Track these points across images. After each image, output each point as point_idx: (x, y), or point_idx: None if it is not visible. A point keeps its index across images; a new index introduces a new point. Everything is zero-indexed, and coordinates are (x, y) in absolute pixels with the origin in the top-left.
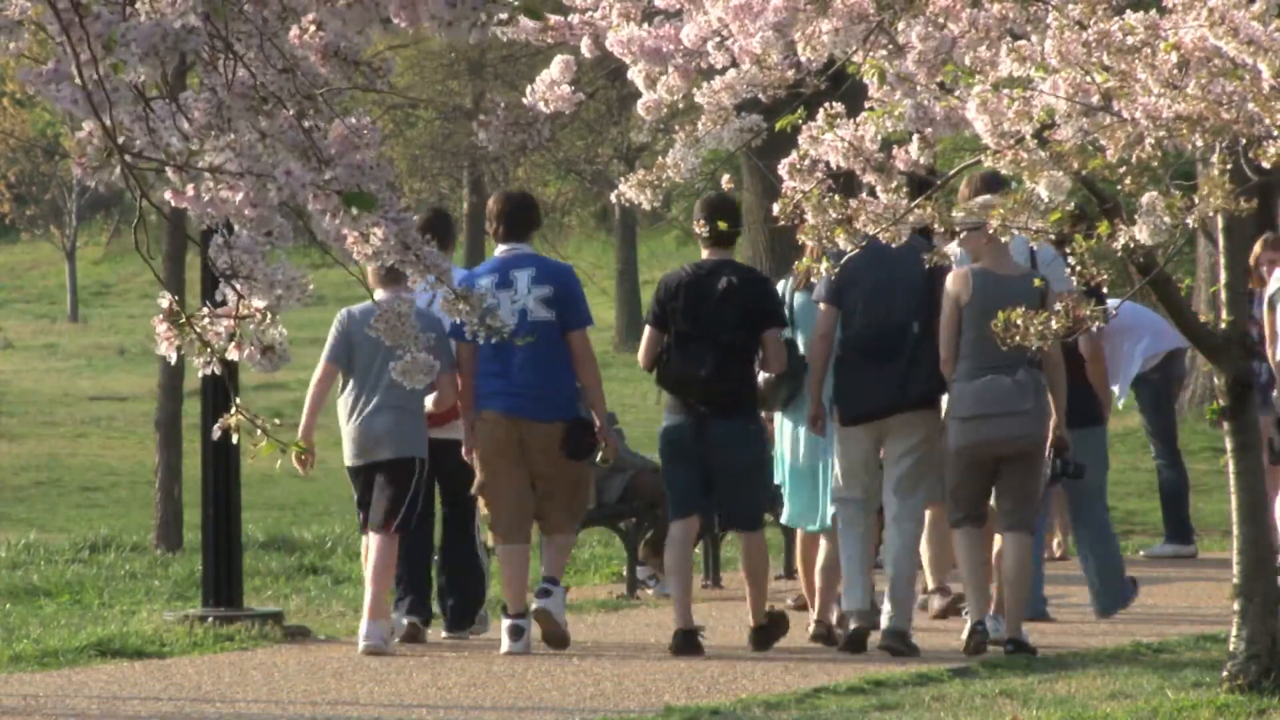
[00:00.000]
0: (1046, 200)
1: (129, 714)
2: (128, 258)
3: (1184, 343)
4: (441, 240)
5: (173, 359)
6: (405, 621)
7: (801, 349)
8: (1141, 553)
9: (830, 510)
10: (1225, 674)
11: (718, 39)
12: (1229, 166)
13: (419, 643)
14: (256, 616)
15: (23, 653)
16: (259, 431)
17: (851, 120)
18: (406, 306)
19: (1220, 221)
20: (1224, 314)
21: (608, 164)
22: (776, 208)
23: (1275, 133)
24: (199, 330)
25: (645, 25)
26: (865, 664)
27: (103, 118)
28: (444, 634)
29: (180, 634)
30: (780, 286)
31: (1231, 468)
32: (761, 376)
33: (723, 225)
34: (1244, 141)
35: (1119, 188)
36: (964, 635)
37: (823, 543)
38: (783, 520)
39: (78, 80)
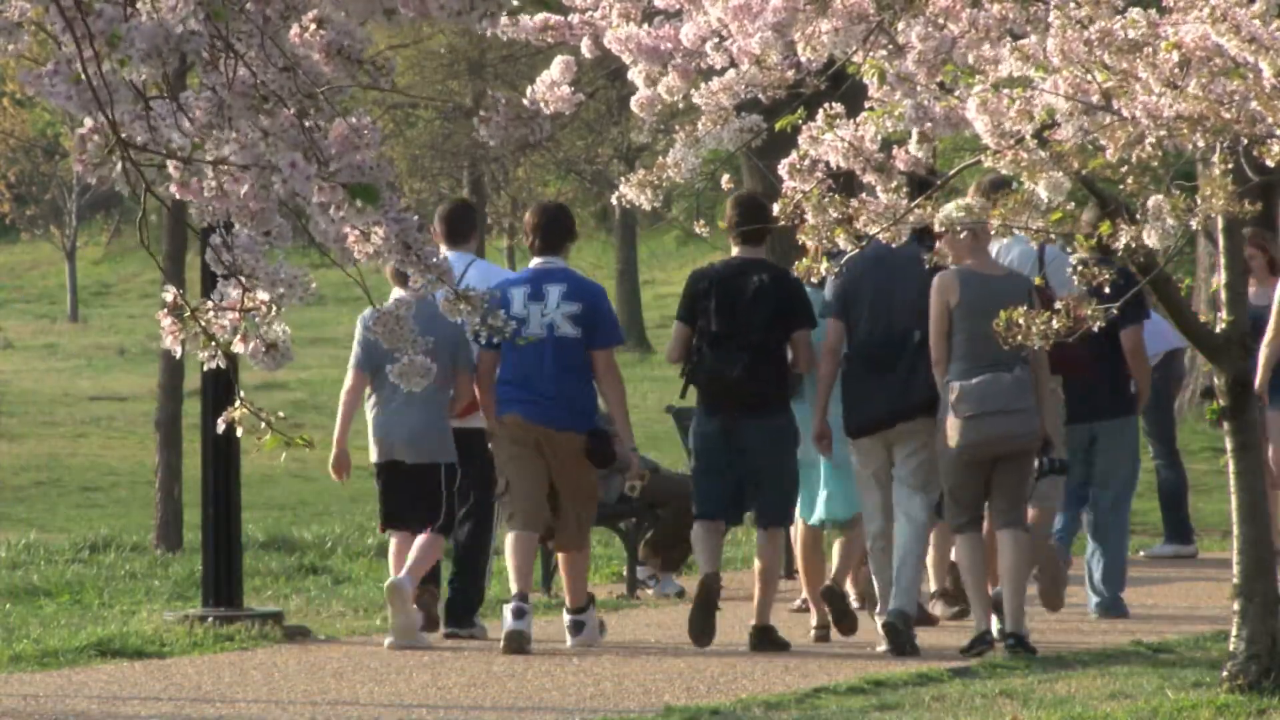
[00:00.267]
0: (1047, 200)
1: (129, 714)
2: (128, 258)
3: (1183, 343)
4: (464, 231)
5: (178, 352)
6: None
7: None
8: (1141, 553)
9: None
10: (1225, 674)
11: (717, 39)
12: (1230, 167)
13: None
14: (256, 616)
15: (23, 653)
16: (263, 425)
17: (851, 120)
18: (405, 309)
19: (1220, 221)
20: (1224, 314)
21: (608, 164)
22: (776, 208)
23: (1278, 131)
24: (204, 324)
25: (645, 25)
26: (865, 664)
27: (105, 112)
28: (443, 629)
29: (180, 634)
30: None
31: (1231, 468)
32: None
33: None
34: (1245, 141)
35: (1121, 188)
36: (968, 642)
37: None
38: None
39: (81, 76)
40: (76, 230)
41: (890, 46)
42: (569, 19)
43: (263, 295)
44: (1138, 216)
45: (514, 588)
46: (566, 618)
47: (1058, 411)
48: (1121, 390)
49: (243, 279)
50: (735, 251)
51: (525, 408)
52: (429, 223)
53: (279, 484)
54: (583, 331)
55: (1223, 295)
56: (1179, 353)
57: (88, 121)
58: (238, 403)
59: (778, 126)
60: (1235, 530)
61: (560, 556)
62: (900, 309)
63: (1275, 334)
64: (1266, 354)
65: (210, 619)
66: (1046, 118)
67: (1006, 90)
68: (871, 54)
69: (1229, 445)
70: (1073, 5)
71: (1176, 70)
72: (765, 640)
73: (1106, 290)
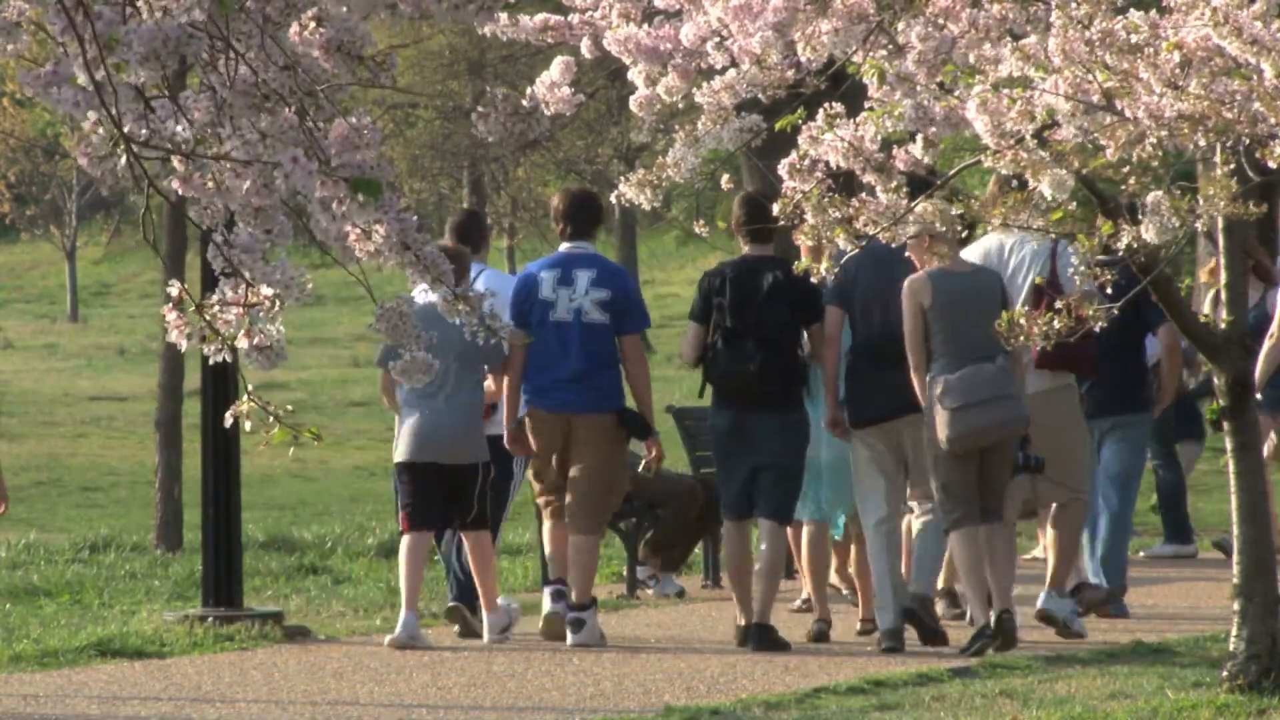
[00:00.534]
0: (1049, 199)
1: (129, 714)
2: (128, 258)
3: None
4: (474, 241)
5: (184, 346)
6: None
7: None
8: (1141, 553)
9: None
10: (1225, 674)
11: (717, 39)
12: (1232, 167)
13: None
14: (256, 616)
15: (23, 653)
16: (271, 419)
17: (851, 120)
18: (407, 306)
19: (1220, 221)
20: (1224, 314)
21: (608, 164)
22: (776, 208)
23: None
24: (209, 318)
25: (645, 25)
26: (865, 664)
27: (108, 109)
28: (450, 601)
29: (180, 634)
30: None
31: (1231, 468)
32: None
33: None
34: (1246, 141)
35: (1123, 188)
36: (968, 639)
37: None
38: None
39: (81, 77)
40: (76, 230)
41: (890, 46)
42: (569, 19)
43: (266, 291)
44: (1139, 216)
45: (552, 574)
46: (568, 614)
47: (1079, 409)
48: (1134, 386)
49: (244, 275)
50: (745, 250)
51: (544, 399)
52: (429, 223)
53: (279, 484)
54: (611, 317)
55: (1223, 295)
56: None
57: (92, 115)
58: (245, 397)
59: (778, 126)
60: (1235, 530)
61: (570, 543)
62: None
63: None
64: (1266, 356)
65: (210, 619)
66: (1047, 118)
67: (1007, 90)
68: (871, 54)
69: (1229, 445)
70: (1073, 5)
71: (1177, 70)
72: (764, 639)
73: (1108, 291)
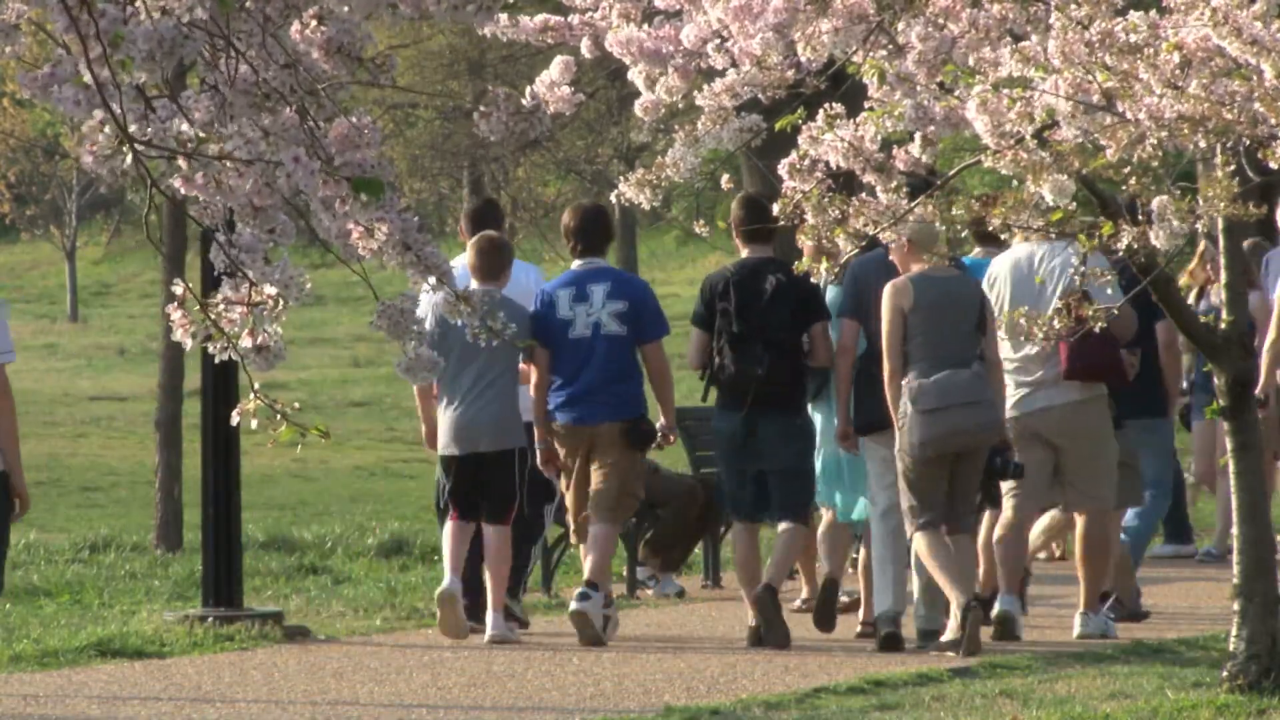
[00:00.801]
0: (1050, 202)
1: (129, 714)
2: (128, 258)
3: None
4: (495, 228)
5: (188, 345)
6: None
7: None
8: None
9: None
10: (1225, 674)
11: (718, 40)
12: (1232, 168)
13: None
14: (256, 616)
15: (23, 653)
16: (279, 417)
17: (851, 120)
18: (409, 304)
19: (1220, 222)
20: (1224, 314)
21: (608, 164)
22: (776, 208)
23: None
24: (214, 317)
25: (645, 26)
26: (865, 664)
27: (111, 108)
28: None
29: (180, 634)
30: None
31: (1231, 468)
32: None
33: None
34: (1246, 142)
35: (1124, 188)
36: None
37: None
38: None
39: (86, 76)
40: (76, 230)
41: (890, 46)
42: (569, 19)
43: (269, 290)
44: (1139, 217)
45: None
46: (576, 590)
47: (1109, 421)
48: (1151, 391)
49: (248, 274)
50: (744, 252)
51: (568, 411)
52: (429, 222)
53: (279, 484)
54: (629, 328)
55: (1223, 295)
56: None
57: (96, 114)
58: (251, 395)
59: (778, 126)
60: (1235, 530)
61: (590, 532)
62: None
63: (1277, 337)
64: (1269, 356)
65: (210, 619)
66: (1047, 118)
67: (1006, 90)
68: (871, 54)
69: (1229, 445)
70: (1073, 6)
71: (1177, 71)
72: (769, 601)
73: (1109, 291)
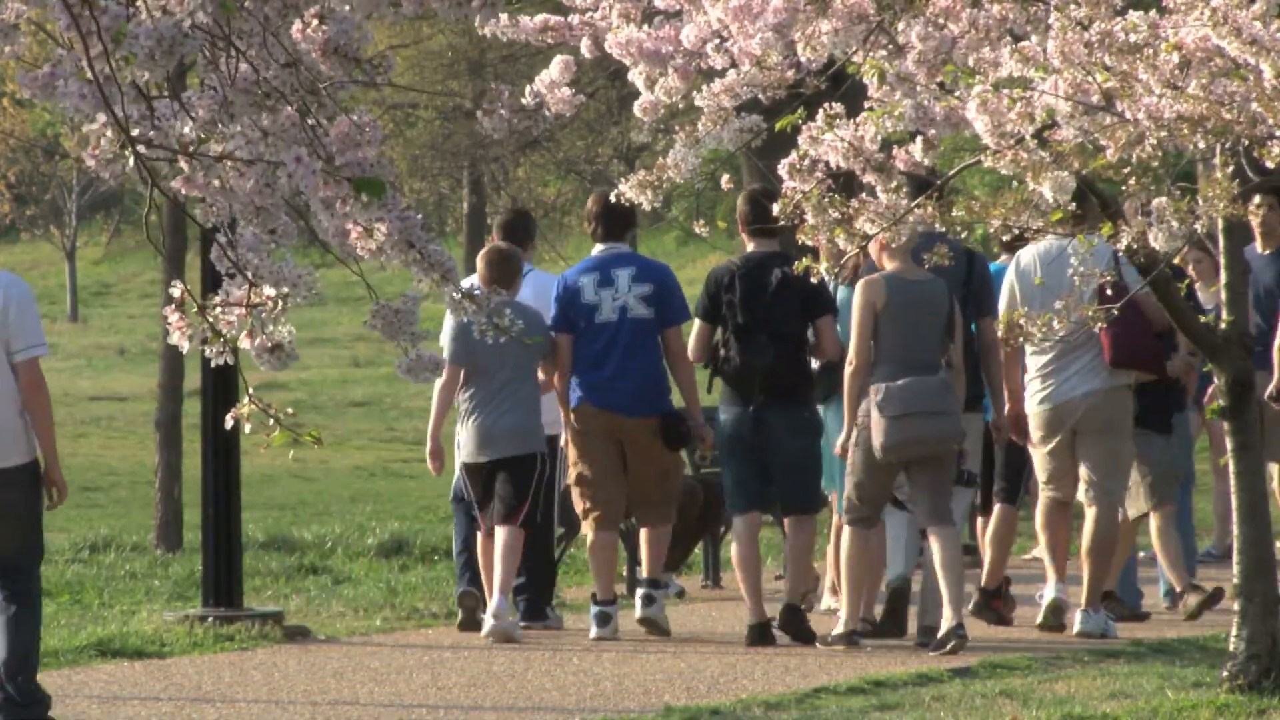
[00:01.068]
0: (1050, 200)
1: (129, 714)
2: (128, 258)
3: None
4: (522, 241)
5: (185, 347)
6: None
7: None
8: (1141, 554)
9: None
10: (1225, 674)
11: (717, 40)
12: (1231, 168)
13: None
14: (256, 616)
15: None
16: (272, 421)
17: (851, 120)
18: (409, 304)
19: (1220, 222)
20: (1224, 314)
21: (608, 164)
22: (776, 208)
23: (1279, 133)
24: (211, 319)
25: (645, 26)
26: (865, 664)
27: (114, 109)
28: (520, 623)
29: (180, 634)
30: None
31: (1232, 468)
32: None
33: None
34: (1245, 142)
35: (1123, 189)
36: (834, 634)
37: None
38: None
39: (88, 75)
40: (76, 230)
41: (890, 46)
42: (569, 19)
43: (269, 291)
44: (1139, 216)
45: (598, 593)
46: (639, 590)
47: (1130, 412)
48: (1172, 386)
49: (249, 275)
50: (750, 247)
51: (595, 394)
52: (429, 222)
53: (279, 484)
54: (655, 311)
55: (1223, 295)
56: None
57: (99, 117)
58: (246, 399)
59: (778, 126)
60: (1235, 530)
61: (643, 534)
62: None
63: None
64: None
65: (210, 619)
66: (1047, 118)
67: (1006, 91)
68: (871, 54)
69: (1229, 445)
70: (1072, 6)
71: (1177, 71)
72: (793, 620)
73: (1109, 291)
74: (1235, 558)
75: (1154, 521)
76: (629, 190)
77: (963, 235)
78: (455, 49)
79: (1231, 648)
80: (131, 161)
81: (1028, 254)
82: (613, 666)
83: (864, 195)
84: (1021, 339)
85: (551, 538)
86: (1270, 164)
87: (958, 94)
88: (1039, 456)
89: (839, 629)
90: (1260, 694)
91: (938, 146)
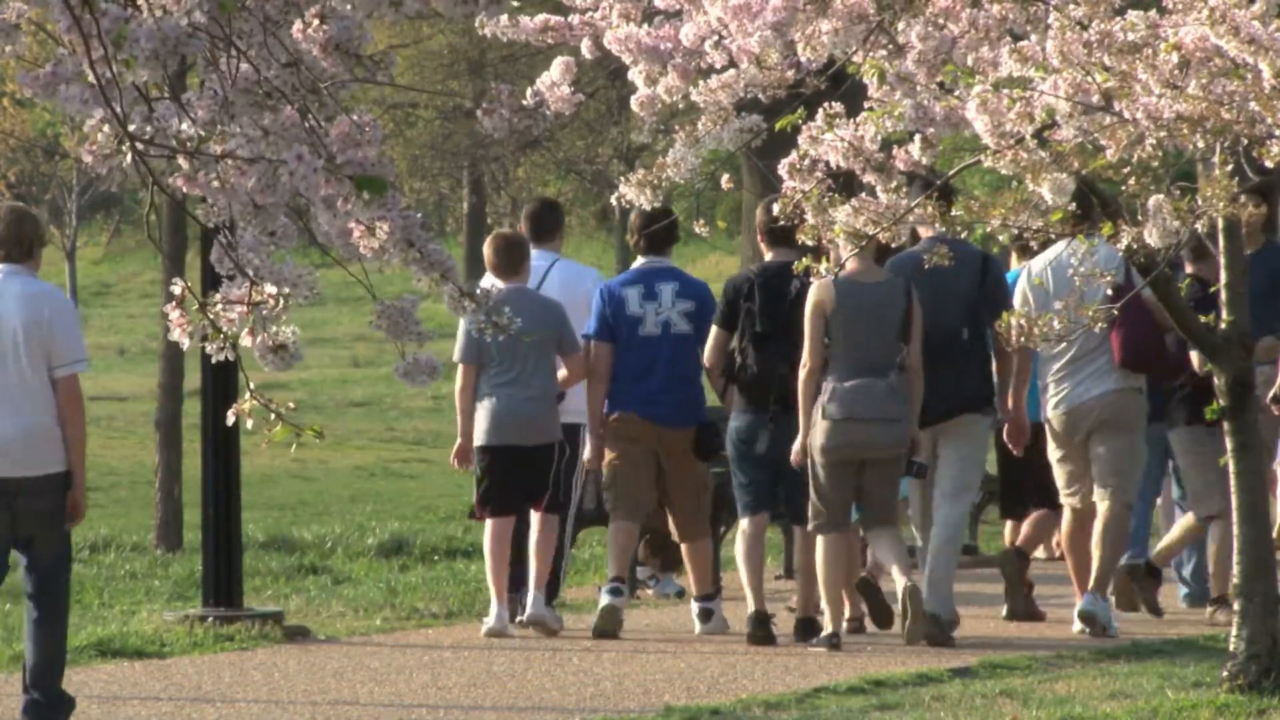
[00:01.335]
0: (1049, 201)
1: (129, 714)
2: (128, 258)
3: None
4: (549, 230)
5: (185, 344)
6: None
7: None
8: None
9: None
10: (1225, 674)
11: (717, 39)
12: (1231, 168)
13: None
14: (256, 616)
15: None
16: (274, 417)
17: (851, 120)
18: (409, 304)
19: (1220, 221)
20: (1224, 314)
21: (608, 164)
22: (776, 208)
23: (1278, 132)
24: (212, 316)
25: (645, 26)
26: (865, 664)
27: (113, 107)
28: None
29: (180, 634)
30: None
31: (1232, 468)
32: None
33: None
34: (1245, 142)
35: (1123, 189)
36: (816, 642)
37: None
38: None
39: (90, 76)
40: (76, 230)
41: (890, 46)
42: (569, 19)
43: (270, 289)
44: (1139, 217)
45: (611, 571)
46: (694, 606)
47: (1144, 415)
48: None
49: (250, 273)
50: (769, 256)
51: (640, 406)
52: (429, 222)
53: (279, 484)
54: (694, 328)
55: (1223, 295)
56: None
57: (97, 113)
58: (248, 395)
59: (778, 126)
60: (1235, 530)
61: (684, 547)
62: (953, 307)
63: None
64: None
65: (210, 619)
66: (1047, 118)
67: (1006, 90)
68: (871, 54)
69: (1229, 445)
70: (1072, 6)
71: (1176, 71)
72: (808, 633)
73: (1109, 291)
74: (1235, 558)
75: (1215, 525)
76: (629, 190)
77: (963, 235)
78: (455, 49)
79: (1231, 648)
80: (129, 158)
81: (1040, 262)
82: (613, 666)
83: (864, 195)
84: (1024, 340)
85: (564, 535)
86: (1270, 163)
87: (958, 94)
88: (1056, 460)
89: (823, 632)
90: (1260, 694)
91: (937, 146)
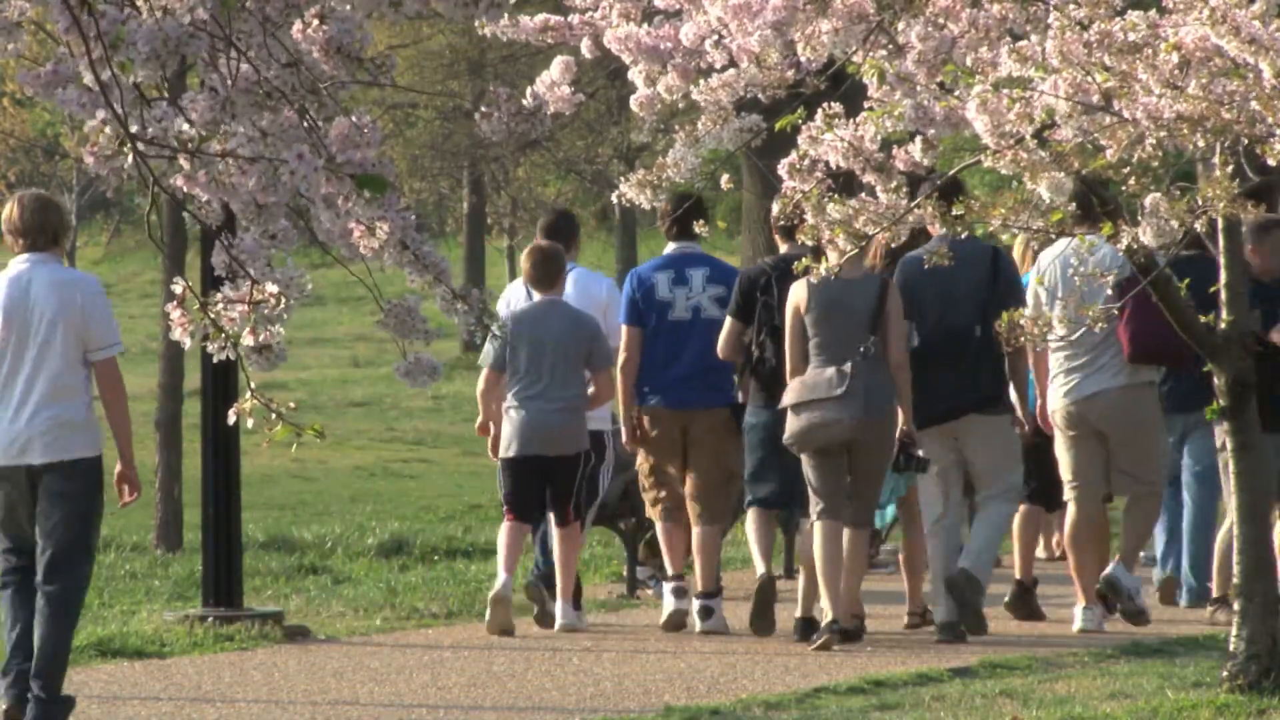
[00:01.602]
0: (1048, 200)
1: (129, 714)
2: (128, 258)
3: None
4: (566, 241)
5: (187, 344)
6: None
7: None
8: (1142, 554)
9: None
10: (1225, 674)
11: (716, 38)
12: (1231, 168)
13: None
14: (256, 616)
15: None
16: (274, 416)
17: (851, 120)
18: (414, 301)
19: (1220, 221)
20: (1224, 314)
21: (608, 164)
22: (776, 208)
23: (1279, 131)
24: (213, 315)
25: (645, 25)
26: (865, 664)
27: (114, 107)
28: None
29: (180, 634)
30: None
31: (1231, 468)
32: None
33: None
34: (1245, 142)
35: (1123, 189)
36: (817, 635)
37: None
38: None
39: (87, 77)
40: (76, 230)
41: (890, 46)
42: (569, 19)
43: (271, 288)
44: (1139, 217)
45: (669, 569)
46: (695, 603)
47: (1157, 405)
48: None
49: (250, 272)
50: (784, 249)
51: (666, 393)
52: (429, 222)
53: (279, 484)
54: (725, 312)
55: (1223, 295)
56: None
57: (99, 113)
58: (248, 395)
59: (778, 126)
60: (1235, 530)
61: (695, 534)
62: (965, 305)
63: None
64: None
65: (210, 619)
66: (1047, 118)
67: (1006, 90)
68: (871, 54)
69: (1229, 445)
70: (1072, 6)
71: (1176, 71)
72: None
73: (1110, 291)
74: (1235, 558)
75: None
76: (629, 190)
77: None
78: (455, 49)
79: (1231, 648)
80: (130, 159)
81: (1046, 257)
82: (613, 666)
83: (864, 195)
84: (1022, 340)
85: (583, 529)
86: (1272, 162)
87: (958, 94)
88: (1062, 453)
89: (824, 623)
90: (1260, 694)
91: (937, 146)
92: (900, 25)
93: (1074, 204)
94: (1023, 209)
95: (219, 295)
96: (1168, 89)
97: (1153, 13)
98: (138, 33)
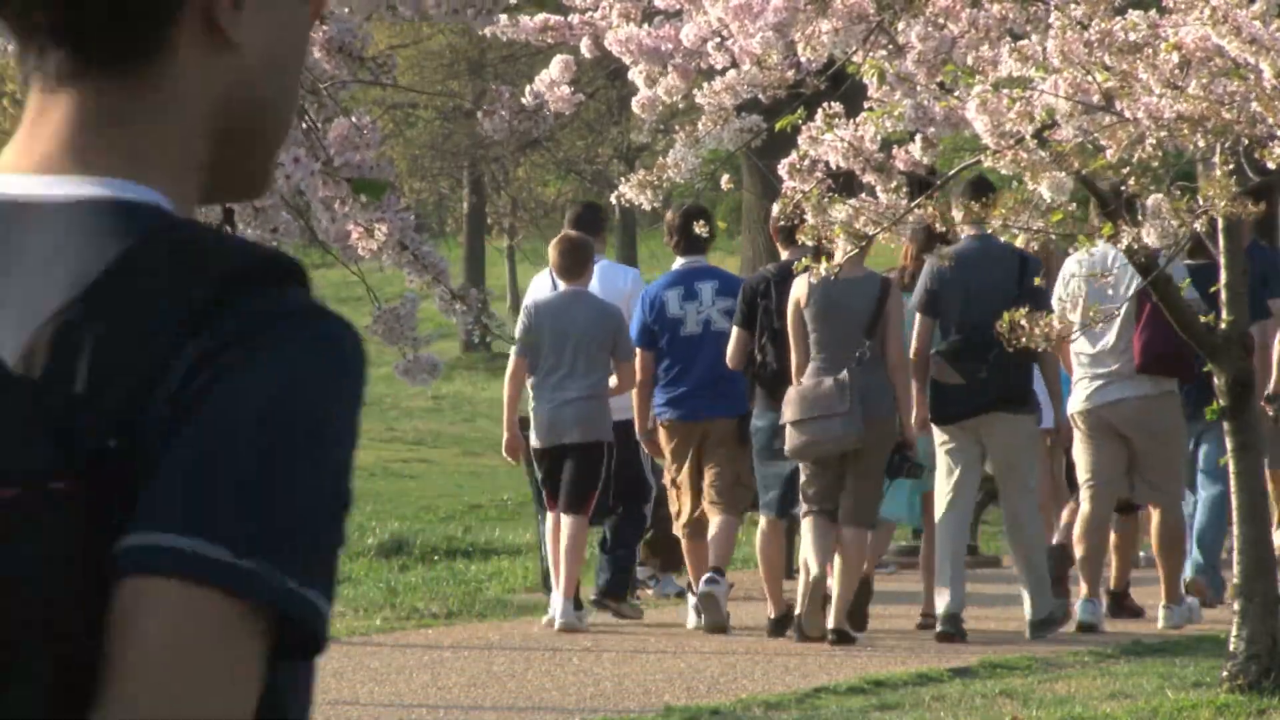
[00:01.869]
0: (1049, 200)
1: None
2: None
3: None
4: (593, 233)
5: None
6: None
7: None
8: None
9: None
10: (1225, 674)
11: (717, 39)
12: (1231, 168)
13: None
14: None
15: None
16: None
17: (851, 120)
18: (407, 307)
19: (1220, 221)
20: (1224, 314)
21: (608, 164)
22: (776, 208)
23: (1279, 132)
24: None
25: (645, 25)
26: (865, 664)
27: None
28: (593, 595)
29: None
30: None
31: (1232, 468)
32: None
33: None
34: (1245, 142)
35: (1123, 188)
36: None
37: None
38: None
39: None
40: None
41: (890, 46)
42: (569, 19)
43: None
44: (1139, 217)
45: (692, 581)
46: (705, 574)
47: (1181, 416)
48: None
49: None
50: (784, 254)
51: (680, 407)
52: (429, 222)
53: None
54: None
55: (1223, 295)
56: None
57: None
58: None
59: (778, 126)
60: (1235, 530)
61: (712, 522)
62: (991, 303)
63: None
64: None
65: None
66: (1047, 118)
67: (1006, 90)
68: (871, 54)
69: (1229, 445)
70: (1072, 6)
71: (1177, 71)
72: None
73: (1110, 291)
74: (1235, 558)
75: None
76: (629, 191)
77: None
78: (455, 49)
79: (1231, 648)
80: None
81: (1072, 261)
82: (613, 666)
83: (864, 195)
84: (1024, 341)
85: (635, 530)
86: (1271, 164)
87: (958, 94)
88: (1079, 454)
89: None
90: (1260, 694)
91: (937, 145)
92: (900, 25)
93: (1073, 204)
94: (1023, 209)
95: None
96: (1168, 89)
97: (1153, 13)
98: None
